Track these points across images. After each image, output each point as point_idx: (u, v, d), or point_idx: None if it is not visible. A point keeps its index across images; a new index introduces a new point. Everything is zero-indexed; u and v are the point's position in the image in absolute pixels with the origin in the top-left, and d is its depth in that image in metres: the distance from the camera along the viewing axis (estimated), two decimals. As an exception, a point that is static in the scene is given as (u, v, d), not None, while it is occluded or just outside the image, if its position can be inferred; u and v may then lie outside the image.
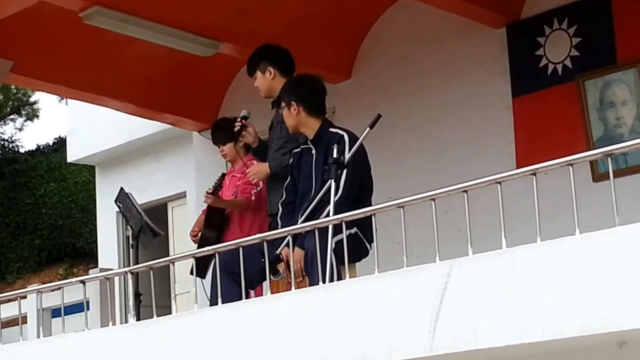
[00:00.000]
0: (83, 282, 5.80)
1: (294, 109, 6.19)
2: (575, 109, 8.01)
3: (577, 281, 3.83)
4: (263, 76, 6.81)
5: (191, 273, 5.73)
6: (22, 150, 22.51)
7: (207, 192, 7.40)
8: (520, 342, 3.94)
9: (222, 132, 7.50)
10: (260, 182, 7.37)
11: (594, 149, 7.29)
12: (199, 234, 7.47)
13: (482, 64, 8.66)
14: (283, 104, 6.25)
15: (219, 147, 7.68)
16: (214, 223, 7.43)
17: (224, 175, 7.70)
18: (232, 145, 7.42)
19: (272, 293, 5.12)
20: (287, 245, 5.35)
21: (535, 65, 8.27)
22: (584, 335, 3.80)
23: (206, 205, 7.56)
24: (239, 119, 7.04)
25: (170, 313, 5.46)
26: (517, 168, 5.39)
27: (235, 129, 7.04)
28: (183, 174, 12.03)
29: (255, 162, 7.26)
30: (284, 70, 6.79)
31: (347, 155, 5.71)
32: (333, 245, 5.32)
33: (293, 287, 4.98)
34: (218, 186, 7.47)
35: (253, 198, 7.33)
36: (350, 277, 4.86)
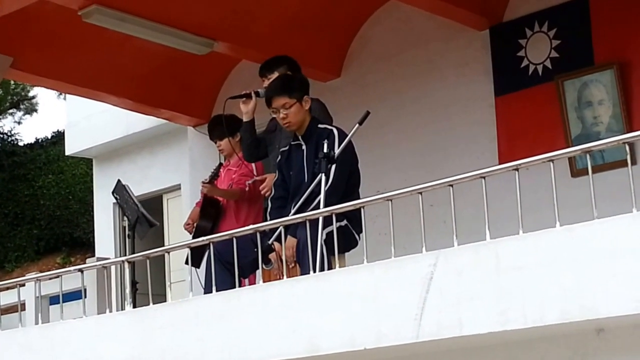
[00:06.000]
0: (81, 270, 5.89)
1: (306, 103, 6.23)
2: (554, 108, 8.15)
3: (557, 271, 3.96)
4: None
5: (186, 263, 5.85)
6: (21, 144, 22.55)
7: (204, 182, 7.52)
8: (502, 329, 4.07)
9: (219, 127, 7.57)
10: (255, 173, 7.51)
11: (572, 146, 7.43)
12: (194, 225, 7.57)
13: (467, 64, 8.80)
14: (293, 100, 6.19)
15: (215, 142, 7.79)
16: (210, 213, 7.52)
17: (220, 165, 7.81)
18: (228, 141, 7.54)
19: (264, 282, 5.22)
20: (279, 237, 5.45)
21: (516, 66, 8.43)
22: (564, 322, 3.93)
23: (200, 197, 7.68)
24: (253, 90, 6.93)
25: (164, 301, 5.58)
26: (500, 164, 5.49)
27: (244, 92, 6.95)
28: (178, 167, 12.15)
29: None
30: None
31: (337, 150, 5.81)
32: (324, 236, 5.42)
33: (285, 276, 5.10)
34: (215, 175, 7.57)
35: (247, 189, 7.46)
36: (340, 267, 4.99)
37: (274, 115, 6.34)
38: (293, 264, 5.83)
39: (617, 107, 7.86)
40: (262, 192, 7.02)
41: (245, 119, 6.94)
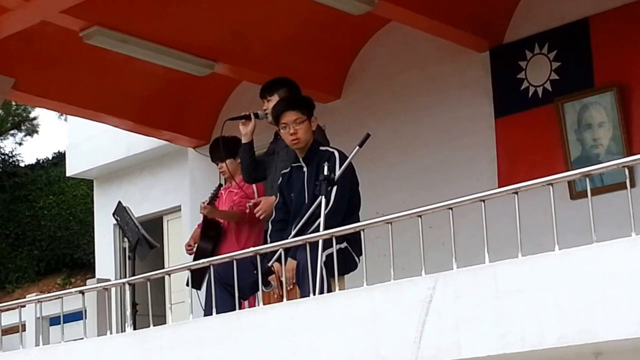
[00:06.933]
0: (82, 292, 5.92)
1: (313, 123, 6.27)
2: (554, 130, 8.17)
3: (556, 295, 3.96)
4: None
5: (187, 284, 5.86)
6: (22, 164, 22.64)
7: (203, 203, 7.55)
8: (501, 352, 4.07)
9: (220, 150, 7.55)
10: (256, 196, 7.51)
11: (572, 168, 7.46)
12: (195, 247, 7.58)
13: (467, 86, 8.82)
14: (304, 116, 6.23)
15: (217, 164, 7.79)
16: (210, 235, 7.52)
17: (220, 186, 7.80)
18: (230, 162, 7.52)
19: (264, 304, 5.25)
20: (278, 259, 5.47)
21: (517, 88, 8.45)
22: (562, 346, 3.93)
23: (202, 219, 7.69)
24: (252, 112, 6.98)
25: (164, 322, 5.59)
26: (499, 186, 5.49)
27: (242, 113, 6.99)
28: (178, 189, 12.16)
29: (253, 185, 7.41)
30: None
31: (337, 173, 5.83)
32: (324, 259, 5.43)
33: (285, 299, 5.10)
34: (214, 197, 7.56)
35: (247, 211, 7.45)
36: (339, 289, 5.01)
37: (282, 131, 6.33)
38: (292, 286, 5.83)
39: (617, 129, 7.88)
40: (257, 215, 7.00)
41: (244, 141, 6.99)
